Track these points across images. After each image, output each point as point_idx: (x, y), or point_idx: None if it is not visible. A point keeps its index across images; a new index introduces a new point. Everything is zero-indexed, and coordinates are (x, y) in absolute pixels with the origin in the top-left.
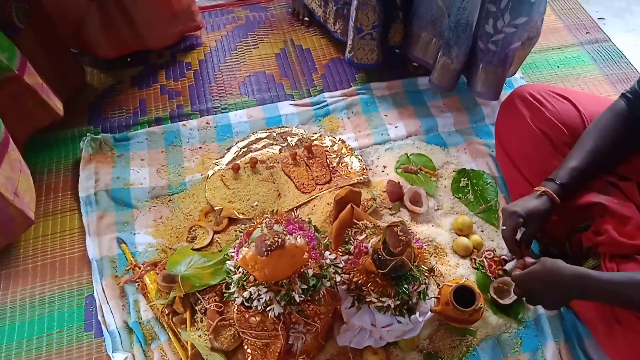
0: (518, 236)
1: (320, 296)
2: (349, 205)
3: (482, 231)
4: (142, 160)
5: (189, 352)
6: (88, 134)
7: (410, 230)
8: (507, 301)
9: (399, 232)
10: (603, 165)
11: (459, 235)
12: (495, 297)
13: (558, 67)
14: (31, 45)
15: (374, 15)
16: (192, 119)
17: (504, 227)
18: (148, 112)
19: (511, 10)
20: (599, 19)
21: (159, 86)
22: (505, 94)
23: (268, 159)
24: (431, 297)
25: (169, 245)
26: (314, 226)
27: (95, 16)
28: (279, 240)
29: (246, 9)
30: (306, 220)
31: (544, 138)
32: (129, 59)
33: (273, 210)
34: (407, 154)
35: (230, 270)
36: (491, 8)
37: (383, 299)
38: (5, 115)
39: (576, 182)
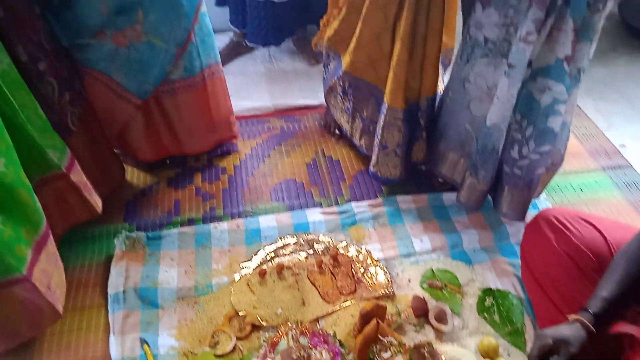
0: None
1: None
2: (374, 320)
3: (509, 355)
4: (172, 260)
5: None
6: (123, 231)
7: (437, 353)
8: None
9: (426, 353)
10: (635, 293)
11: (485, 358)
12: None
13: (581, 190)
14: (80, 146)
15: (399, 134)
16: (223, 221)
17: (532, 349)
18: (182, 212)
19: (535, 138)
20: (620, 145)
21: (194, 188)
22: (530, 214)
23: (294, 265)
24: None
25: (190, 349)
26: (339, 340)
27: (140, 122)
28: (305, 355)
29: (281, 120)
30: (330, 332)
31: (570, 262)
32: (167, 161)
33: (297, 321)
34: (432, 268)
35: None
36: (516, 136)
37: None
38: (47, 209)
39: (609, 311)
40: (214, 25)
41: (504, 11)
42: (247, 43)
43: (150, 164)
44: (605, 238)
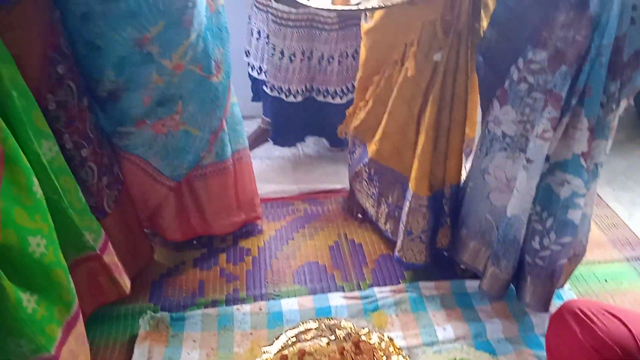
0: None
1: None
2: None
3: None
4: (194, 341)
5: None
6: (148, 312)
7: None
8: None
9: None
10: None
11: None
12: None
13: (606, 281)
14: (113, 227)
15: (424, 221)
16: (246, 303)
17: None
18: (206, 293)
19: (556, 230)
20: None
21: (218, 269)
22: (554, 304)
23: (315, 352)
24: None
25: None
26: None
27: (172, 204)
28: None
29: (305, 203)
30: None
31: (596, 356)
32: (194, 242)
33: None
34: (455, 358)
35: None
36: (537, 227)
37: None
38: (79, 289)
39: None
40: (244, 112)
41: (521, 109)
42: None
43: (177, 244)
44: (631, 332)
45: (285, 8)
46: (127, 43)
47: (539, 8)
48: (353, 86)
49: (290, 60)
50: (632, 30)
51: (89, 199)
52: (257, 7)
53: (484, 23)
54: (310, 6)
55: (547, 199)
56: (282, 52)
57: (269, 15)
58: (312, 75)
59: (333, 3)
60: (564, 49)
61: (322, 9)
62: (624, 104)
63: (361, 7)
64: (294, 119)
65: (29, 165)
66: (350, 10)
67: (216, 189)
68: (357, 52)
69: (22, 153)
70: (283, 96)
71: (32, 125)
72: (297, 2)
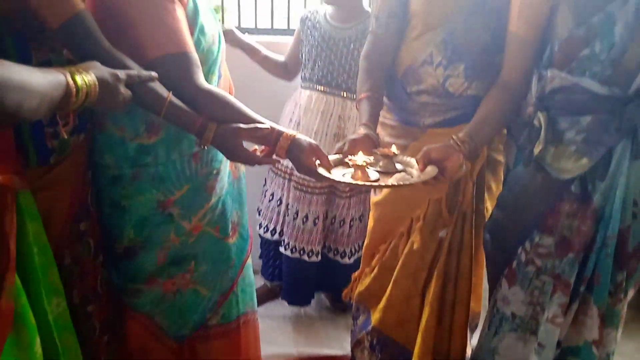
0: None
1: None
2: None
3: None
4: None
5: None
6: None
7: None
8: None
9: None
10: None
11: None
12: None
13: None
14: None
15: None
16: None
17: None
18: None
19: None
20: None
21: None
22: None
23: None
24: None
25: None
26: None
27: None
28: None
29: None
30: None
31: None
32: None
33: None
34: None
35: None
36: None
37: None
38: None
39: None
40: None
41: (530, 291)
42: (282, 298)
43: None
44: None
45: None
46: (150, 204)
47: (544, 197)
48: (359, 247)
49: (314, 223)
50: (635, 224)
51: (87, 354)
52: (274, 172)
53: (488, 204)
54: (332, 179)
55: None
56: (306, 217)
57: (291, 182)
58: (327, 235)
59: (353, 177)
60: (570, 237)
61: (344, 182)
62: (631, 293)
63: (381, 183)
64: (310, 278)
65: (35, 324)
66: (371, 185)
67: (219, 353)
68: (363, 215)
69: (31, 312)
70: (305, 257)
71: (46, 282)
72: (321, 175)
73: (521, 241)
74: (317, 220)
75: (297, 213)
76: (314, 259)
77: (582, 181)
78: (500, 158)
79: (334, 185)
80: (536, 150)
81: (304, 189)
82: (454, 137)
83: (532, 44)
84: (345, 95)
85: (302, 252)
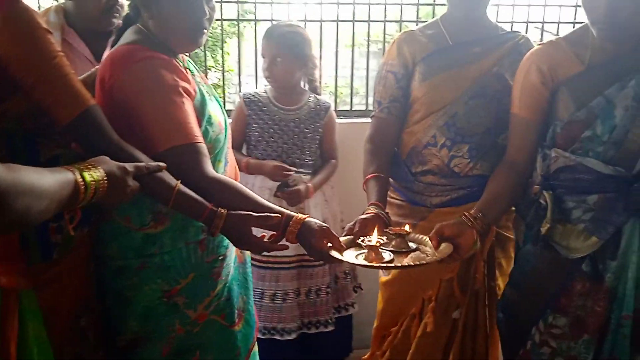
0: None
1: None
2: None
3: None
4: None
5: None
6: None
7: None
8: None
9: None
10: None
11: None
12: None
13: None
14: None
15: None
16: None
17: None
18: None
19: None
20: None
21: None
22: None
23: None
24: None
25: None
26: None
27: None
28: None
29: None
30: None
31: None
32: None
33: None
34: None
35: None
36: None
37: None
38: None
39: None
40: None
41: None
42: None
43: None
44: None
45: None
46: (155, 295)
47: (555, 276)
48: (338, 308)
49: (284, 300)
50: None
51: None
52: None
53: (500, 282)
54: (347, 262)
55: None
56: (274, 294)
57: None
58: (303, 311)
59: (367, 258)
60: (584, 318)
61: (359, 265)
62: None
63: (397, 264)
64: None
65: None
66: (387, 267)
67: None
68: (338, 277)
69: None
70: (278, 336)
71: None
72: (334, 258)
73: (535, 321)
74: (288, 296)
75: (262, 293)
76: (287, 337)
77: (593, 260)
78: (509, 235)
79: (302, 257)
80: (543, 229)
81: (268, 265)
82: (466, 214)
83: (535, 125)
84: (300, 171)
85: (274, 331)
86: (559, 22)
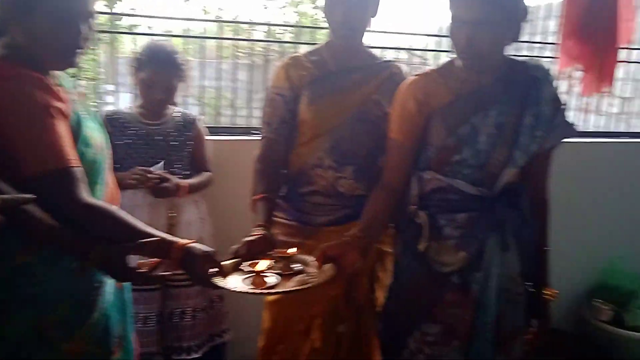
0: None
1: None
2: None
3: None
4: None
5: None
6: None
7: None
8: None
9: None
10: None
11: None
12: None
13: None
14: None
15: None
16: None
17: None
18: None
19: None
20: None
21: None
22: None
23: None
24: None
25: None
26: None
27: None
28: None
29: None
30: None
31: None
32: None
33: None
34: None
35: None
36: None
37: None
38: None
39: None
40: None
41: None
42: None
43: None
44: None
45: None
46: (25, 329)
47: (429, 288)
48: (210, 337)
49: (146, 322)
50: (509, 309)
51: None
52: None
53: (378, 294)
54: (230, 289)
55: None
56: (144, 317)
57: None
58: (164, 334)
59: (253, 284)
60: (454, 325)
61: (244, 292)
62: None
63: (282, 289)
64: None
65: None
66: (271, 292)
67: None
68: (214, 304)
69: None
70: None
71: None
72: (217, 285)
73: (411, 330)
74: (149, 318)
75: (135, 316)
76: None
77: (462, 273)
78: (388, 249)
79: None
80: (420, 247)
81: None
82: (349, 234)
83: (411, 150)
84: None
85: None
86: (425, 50)
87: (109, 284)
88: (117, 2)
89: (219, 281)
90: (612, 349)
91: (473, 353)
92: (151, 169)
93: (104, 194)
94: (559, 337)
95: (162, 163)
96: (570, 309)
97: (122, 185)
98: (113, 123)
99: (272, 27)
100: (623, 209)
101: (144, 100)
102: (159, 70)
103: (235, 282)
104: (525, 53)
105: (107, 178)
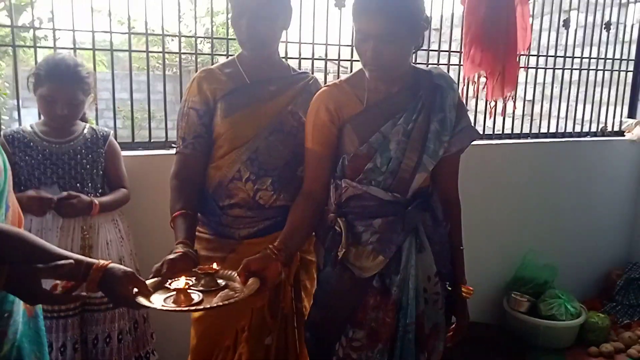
0: None
1: None
2: None
3: None
4: None
5: None
6: None
7: None
8: None
9: None
10: None
11: None
12: None
13: None
14: None
15: None
16: None
17: None
18: None
19: None
20: None
21: None
22: None
23: None
24: None
25: None
26: None
27: None
28: None
29: None
30: None
31: None
32: None
33: None
34: None
35: None
36: None
37: None
38: None
39: None
40: None
41: None
42: None
43: None
44: None
45: None
46: None
47: (352, 294)
48: (140, 357)
49: (74, 350)
50: (428, 309)
51: None
52: None
53: (306, 303)
54: (154, 308)
55: None
56: (63, 346)
57: None
58: None
59: (176, 302)
60: (377, 329)
61: (167, 310)
62: None
63: (206, 305)
64: None
65: None
66: (197, 309)
67: None
68: (138, 325)
69: None
70: None
71: None
72: (140, 304)
73: (338, 336)
74: (67, 347)
75: (50, 345)
76: None
77: (381, 277)
78: (312, 258)
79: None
80: (340, 253)
81: (54, 314)
82: (270, 246)
83: (327, 158)
84: None
85: None
86: (339, 60)
87: (19, 314)
88: (24, 11)
89: (143, 301)
90: (529, 336)
91: (397, 355)
92: (44, 193)
93: (7, 218)
94: (480, 328)
95: (55, 185)
96: (490, 302)
97: (24, 209)
98: (13, 143)
99: (190, 38)
100: (533, 206)
101: (46, 117)
102: (59, 85)
103: (159, 301)
104: (433, 61)
105: (10, 200)
